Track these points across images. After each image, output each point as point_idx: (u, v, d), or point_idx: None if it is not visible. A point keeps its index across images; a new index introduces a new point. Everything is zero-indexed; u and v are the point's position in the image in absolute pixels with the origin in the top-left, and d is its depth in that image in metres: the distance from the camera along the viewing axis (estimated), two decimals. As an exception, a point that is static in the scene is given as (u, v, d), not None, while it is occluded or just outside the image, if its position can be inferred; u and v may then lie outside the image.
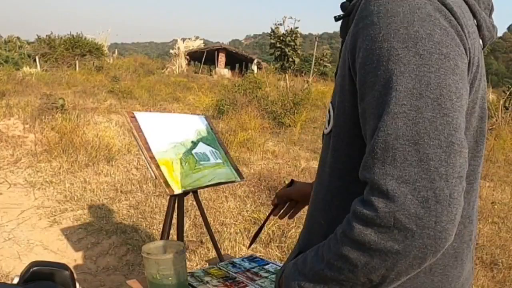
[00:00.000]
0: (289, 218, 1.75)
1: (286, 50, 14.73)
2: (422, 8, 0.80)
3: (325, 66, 23.93)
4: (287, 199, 1.70)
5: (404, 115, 0.75)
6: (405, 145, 0.75)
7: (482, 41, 0.96)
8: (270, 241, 4.52)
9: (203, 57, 33.13)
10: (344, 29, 1.05)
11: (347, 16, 1.02)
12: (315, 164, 7.86)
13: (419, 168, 0.74)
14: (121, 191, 5.94)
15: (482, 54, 0.96)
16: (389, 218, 0.74)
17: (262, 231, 1.77)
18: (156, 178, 2.15)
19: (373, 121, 0.80)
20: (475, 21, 0.92)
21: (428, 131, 0.74)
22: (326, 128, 1.04)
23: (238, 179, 2.49)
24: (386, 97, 0.78)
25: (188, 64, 33.62)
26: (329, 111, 1.03)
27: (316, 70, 22.19)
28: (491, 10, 1.02)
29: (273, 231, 4.69)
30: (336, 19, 1.07)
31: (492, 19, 1.01)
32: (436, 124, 0.75)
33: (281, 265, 2.16)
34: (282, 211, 1.73)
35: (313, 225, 1.09)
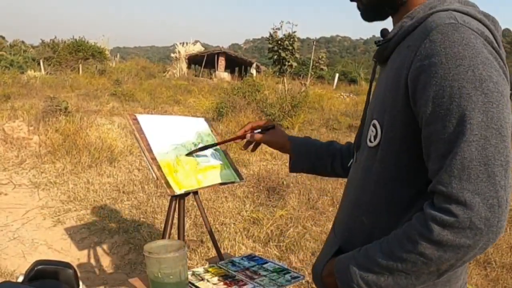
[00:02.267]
0: (252, 151, 1.93)
1: (284, 54, 14.74)
2: (482, 53, 0.94)
3: (321, 69, 23.94)
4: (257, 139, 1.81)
5: (476, 143, 0.91)
6: (477, 165, 0.91)
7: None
8: (269, 240, 4.52)
9: (203, 60, 33.10)
10: (381, 52, 1.19)
11: (387, 41, 1.16)
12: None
13: (487, 183, 0.91)
14: (123, 192, 5.94)
15: None
16: (466, 222, 0.91)
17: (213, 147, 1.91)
18: (157, 179, 2.15)
19: (445, 146, 0.95)
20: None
21: (494, 155, 0.91)
22: (371, 142, 1.17)
23: (238, 180, 2.49)
24: (461, 128, 0.93)
25: (189, 67, 33.63)
26: (374, 126, 1.16)
27: (313, 73, 22.20)
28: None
29: (271, 230, 4.69)
30: (377, 44, 1.20)
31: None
32: (499, 148, 0.92)
33: (280, 263, 2.16)
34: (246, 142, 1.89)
35: (355, 224, 1.24)
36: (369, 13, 1.25)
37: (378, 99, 1.18)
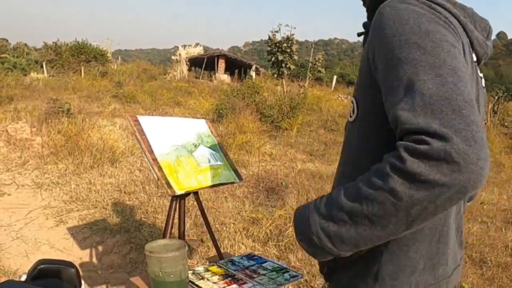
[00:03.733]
0: None
1: (282, 57, 14.77)
2: (425, 15, 0.98)
3: (319, 71, 23.98)
4: None
5: (432, 80, 0.88)
6: (439, 100, 0.86)
7: (476, 57, 1.11)
8: (268, 240, 4.52)
9: (204, 63, 33.09)
10: (365, 42, 1.20)
11: (367, 32, 1.19)
12: (311, 166, 7.86)
13: (454, 115, 0.84)
14: (124, 192, 5.94)
15: (476, 67, 1.14)
16: (440, 152, 0.82)
17: None
18: (158, 179, 2.15)
19: (402, 90, 0.92)
20: (467, 39, 1.07)
21: (454, 90, 0.87)
22: (350, 117, 1.18)
23: (237, 180, 2.50)
24: (413, 70, 0.91)
25: (189, 69, 33.59)
26: (352, 102, 1.18)
27: (311, 75, 22.21)
28: (488, 33, 1.18)
29: (270, 230, 4.69)
30: (358, 34, 1.27)
31: (489, 40, 1.17)
32: (458, 86, 0.88)
33: (279, 263, 2.16)
34: None
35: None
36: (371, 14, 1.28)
37: (356, 81, 1.22)
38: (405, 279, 1.09)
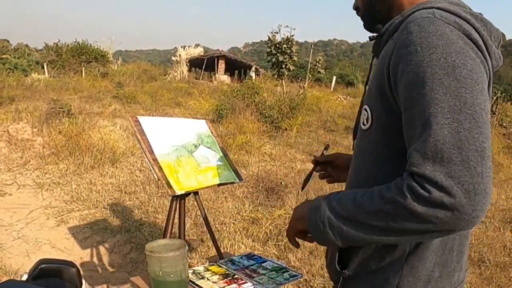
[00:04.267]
0: (328, 182, 1.81)
1: (282, 57, 14.78)
2: (456, 43, 0.97)
3: (319, 72, 23.95)
4: (325, 164, 1.76)
5: (449, 126, 0.91)
6: (451, 148, 0.90)
7: (491, 68, 1.10)
8: (268, 240, 4.52)
9: (204, 63, 33.09)
10: (376, 47, 1.24)
11: (380, 37, 1.21)
12: (310, 166, 7.81)
13: (462, 166, 0.89)
14: (125, 192, 5.94)
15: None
16: (438, 201, 0.89)
17: (311, 179, 1.80)
18: (158, 179, 2.15)
19: (419, 129, 0.96)
20: (487, 53, 1.06)
21: (468, 139, 0.90)
22: (364, 125, 1.20)
23: (237, 180, 2.50)
24: (432, 111, 0.94)
25: (189, 70, 33.57)
26: (366, 110, 1.19)
27: (311, 76, 22.20)
28: (499, 43, 1.18)
29: (270, 230, 4.69)
30: (371, 39, 1.28)
31: (499, 50, 1.17)
32: (473, 133, 0.90)
33: (279, 262, 2.16)
34: (322, 172, 1.79)
35: None
36: (367, 22, 1.33)
37: (369, 87, 1.23)
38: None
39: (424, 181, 0.92)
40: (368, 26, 1.33)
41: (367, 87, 1.29)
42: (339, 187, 4.79)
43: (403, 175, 0.99)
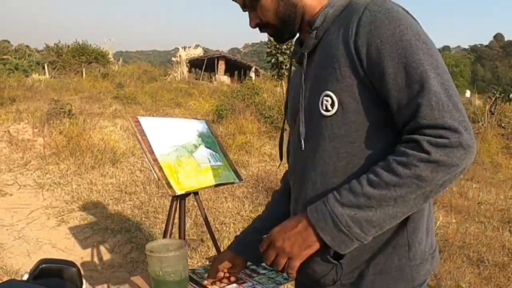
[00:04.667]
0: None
1: (282, 58, 14.78)
2: (407, 16, 1.13)
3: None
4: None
5: (436, 79, 1.05)
6: (444, 97, 1.04)
7: None
8: (268, 240, 4.52)
9: (204, 64, 33.10)
10: (308, 43, 1.28)
11: (316, 29, 1.26)
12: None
13: (455, 109, 1.03)
14: (125, 192, 5.94)
15: None
16: (456, 143, 1.01)
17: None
18: (158, 179, 2.15)
19: (417, 86, 1.06)
20: None
21: (450, 87, 1.06)
22: (328, 111, 1.19)
23: (237, 180, 2.50)
24: (422, 69, 1.05)
25: (189, 71, 33.59)
26: (328, 96, 1.18)
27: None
28: None
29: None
30: (287, 37, 1.37)
31: None
32: (450, 82, 1.07)
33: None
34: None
35: (326, 190, 1.19)
36: (278, 37, 1.38)
37: (320, 76, 1.22)
38: (426, 242, 1.23)
39: (438, 129, 1.02)
40: (287, 37, 1.36)
41: (308, 81, 1.28)
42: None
43: (404, 139, 1.08)
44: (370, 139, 1.16)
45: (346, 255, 1.18)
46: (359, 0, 1.16)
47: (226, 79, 31.55)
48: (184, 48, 34.18)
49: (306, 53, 1.29)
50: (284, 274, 1.98)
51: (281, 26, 1.32)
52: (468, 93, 22.97)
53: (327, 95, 1.19)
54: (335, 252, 1.18)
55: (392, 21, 1.09)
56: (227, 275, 1.70)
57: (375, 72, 1.11)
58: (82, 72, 23.11)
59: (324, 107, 1.19)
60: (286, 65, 15.27)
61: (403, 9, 1.15)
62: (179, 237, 2.42)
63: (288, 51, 15.44)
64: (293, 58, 1.41)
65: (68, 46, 29.75)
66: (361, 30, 1.12)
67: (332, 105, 1.17)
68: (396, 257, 1.18)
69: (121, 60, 36.03)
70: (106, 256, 4.22)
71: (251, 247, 1.59)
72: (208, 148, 2.48)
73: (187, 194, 2.32)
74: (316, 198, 1.22)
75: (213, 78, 31.69)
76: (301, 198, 1.32)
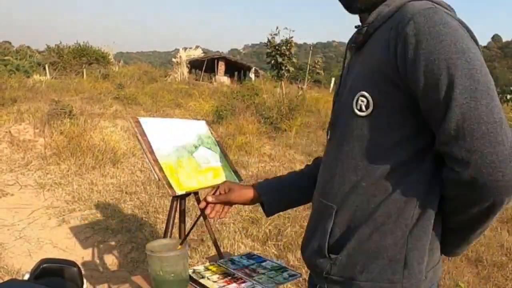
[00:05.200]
0: (221, 217, 1.75)
1: (281, 59, 14.75)
2: (459, 30, 1.05)
3: (317, 73, 23.96)
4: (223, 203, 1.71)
5: (467, 104, 0.98)
6: (471, 125, 0.97)
7: None
8: (267, 239, 4.52)
9: (204, 65, 33.08)
10: (358, 36, 1.26)
11: (367, 26, 1.22)
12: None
13: (483, 140, 0.96)
14: (126, 192, 5.94)
15: None
16: (468, 178, 1.00)
17: (192, 231, 1.74)
18: (159, 180, 2.15)
19: (442, 112, 1.02)
20: None
21: (486, 113, 0.97)
22: (362, 111, 1.19)
23: (237, 181, 2.50)
24: (452, 94, 1.00)
25: (190, 72, 33.56)
26: (364, 97, 1.19)
27: (310, 77, 22.20)
28: None
29: (270, 230, 4.69)
30: (357, 28, 1.28)
31: None
32: (490, 107, 0.98)
33: (278, 262, 2.16)
34: (213, 211, 1.70)
35: (353, 189, 1.22)
36: (351, 3, 1.29)
37: (361, 75, 1.23)
38: (428, 261, 1.19)
39: (452, 160, 1.03)
40: (356, 7, 1.29)
41: (351, 76, 1.30)
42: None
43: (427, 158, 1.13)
44: (398, 145, 1.16)
45: (342, 253, 1.20)
46: (416, 3, 1.11)
47: (226, 80, 31.54)
48: (184, 49, 34.16)
49: (353, 47, 1.31)
50: (284, 274, 1.98)
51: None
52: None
53: (364, 96, 1.19)
54: (330, 248, 1.23)
55: (435, 37, 1.03)
56: (222, 197, 1.68)
57: (411, 86, 1.09)
58: (83, 73, 23.08)
59: (358, 107, 1.20)
60: (285, 66, 15.23)
61: (459, 21, 1.10)
62: (179, 237, 2.42)
63: (287, 52, 15.41)
64: (348, 44, 1.38)
65: (69, 47, 29.72)
66: (403, 41, 1.09)
67: (367, 106, 1.18)
68: (390, 271, 1.17)
69: (121, 61, 36.04)
70: (107, 255, 4.22)
71: (269, 185, 1.71)
72: (208, 148, 2.48)
73: (187, 194, 2.32)
74: (331, 190, 1.28)
75: (213, 79, 31.68)
76: (320, 185, 1.37)
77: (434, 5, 1.09)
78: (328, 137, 1.38)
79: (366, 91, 1.19)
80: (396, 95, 1.13)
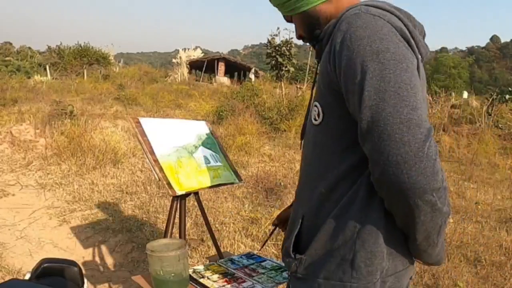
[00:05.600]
0: None
1: (281, 59, 14.75)
2: (380, 30, 1.06)
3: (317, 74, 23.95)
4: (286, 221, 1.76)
5: (375, 106, 1.01)
6: (379, 126, 1.00)
7: (421, 56, 1.20)
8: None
9: (204, 66, 33.12)
10: (319, 52, 1.32)
11: (319, 41, 1.29)
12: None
13: (389, 141, 0.98)
14: (126, 192, 5.93)
15: (422, 65, 1.23)
16: (378, 176, 1.04)
17: (268, 240, 1.90)
18: (159, 180, 2.15)
19: (358, 114, 1.05)
20: (413, 41, 1.15)
21: (393, 114, 0.99)
22: (316, 120, 1.25)
23: (237, 181, 2.50)
24: (362, 95, 1.03)
25: (190, 72, 33.58)
26: (316, 107, 1.25)
27: (309, 78, 22.19)
28: (423, 36, 1.28)
29: (269, 229, 4.69)
30: (314, 45, 1.36)
31: (424, 41, 1.27)
32: (398, 107, 0.99)
33: (278, 262, 2.16)
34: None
35: (314, 194, 1.27)
36: (312, 41, 1.38)
37: (317, 86, 1.29)
38: (378, 265, 1.16)
39: (369, 161, 1.06)
40: (312, 43, 1.38)
41: (315, 86, 1.36)
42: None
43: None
44: (348, 150, 1.17)
45: (306, 253, 1.25)
46: (348, 12, 1.15)
47: (226, 80, 31.57)
48: (185, 50, 34.18)
49: (316, 62, 1.37)
50: (284, 273, 1.98)
51: (311, 36, 1.37)
52: (465, 94, 22.95)
53: (316, 106, 1.25)
54: (295, 247, 1.30)
55: (354, 41, 1.07)
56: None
57: (343, 91, 1.12)
58: (83, 74, 23.09)
59: (313, 116, 1.27)
60: (285, 67, 15.22)
61: (380, 17, 1.10)
62: (180, 237, 2.42)
63: (287, 53, 15.40)
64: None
65: (70, 48, 29.72)
66: (332, 49, 1.13)
67: (318, 115, 1.24)
68: (341, 270, 1.18)
69: (122, 61, 36.03)
70: (107, 255, 4.21)
71: None
72: (208, 148, 2.48)
73: (188, 194, 2.32)
74: (300, 196, 1.36)
75: (213, 79, 31.70)
76: (296, 191, 1.43)
77: (361, 10, 1.11)
78: (302, 145, 1.43)
79: (317, 101, 1.25)
80: (340, 103, 1.15)
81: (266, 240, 2.07)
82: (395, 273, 1.21)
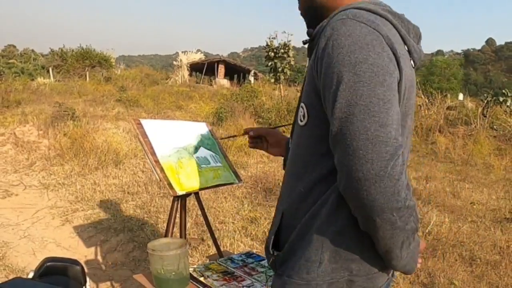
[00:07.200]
0: (250, 147, 1.90)
1: (278, 63, 14.78)
2: (362, 39, 1.01)
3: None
4: (259, 136, 1.85)
5: (344, 120, 0.98)
6: (345, 140, 0.98)
7: (413, 62, 1.18)
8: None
9: (204, 68, 33.14)
10: (310, 50, 1.24)
11: (311, 41, 1.22)
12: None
13: (352, 156, 0.96)
14: (128, 192, 5.93)
15: (414, 71, 1.20)
16: (341, 188, 1.03)
17: (234, 138, 1.89)
18: (160, 180, 2.15)
19: (332, 124, 1.02)
20: (406, 47, 1.13)
21: (360, 130, 0.96)
22: (301, 121, 1.22)
23: (236, 181, 2.50)
24: (334, 107, 1.00)
25: (190, 75, 33.60)
26: (302, 108, 1.22)
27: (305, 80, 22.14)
28: (419, 38, 1.25)
29: (268, 229, 4.69)
30: (304, 43, 1.29)
31: (420, 45, 1.24)
32: (365, 123, 0.96)
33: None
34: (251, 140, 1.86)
35: (294, 193, 1.25)
36: (309, 21, 1.33)
37: (304, 87, 1.26)
38: (345, 265, 1.14)
39: (337, 170, 1.03)
40: (308, 23, 1.34)
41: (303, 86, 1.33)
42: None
43: None
44: (327, 156, 1.12)
45: (283, 250, 1.24)
46: (336, 16, 1.10)
47: (225, 82, 31.56)
48: (185, 52, 34.20)
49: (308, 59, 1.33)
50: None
51: (307, 18, 1.34)
52: (461, 96, 22.98)
53: (302, 106, 1.23)
54: (277, 245, 1.29)
55: (335, 49, 1.02)
56: (263, 130, 1.87)
57: (321, 97, 1.10)
58: (85, 76, 23.10)
59: (299, 117, 1.24)
60: (283, 70, 15.25)
61: (366, 25, 1.04)
62: (180, 236, 2.42)
63: (285, 55, 15.44)
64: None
65: (73, 50, 29.72)
66: (318, 55, 1.10)
67: (304, 116, 1.21)
68: (305, 270, 1.16)
69: (123, 64, 36.03)
70: (109, 254, 4.21)
71: None
72: (208, 149, 2.48)
73: (188, 194, 2.32)
74: (282, 194, 1.35)
75: (213, 81, 31.70)
76: (281, 188, 1.41)
77: (348, 14, 1.06)
78: (290, 144, 1.42)
79: (303, 102, 1.22)
80: (321, 108, 1.12)
81: (229, 137, 2.03)
82: (367, 274, 1.17)
